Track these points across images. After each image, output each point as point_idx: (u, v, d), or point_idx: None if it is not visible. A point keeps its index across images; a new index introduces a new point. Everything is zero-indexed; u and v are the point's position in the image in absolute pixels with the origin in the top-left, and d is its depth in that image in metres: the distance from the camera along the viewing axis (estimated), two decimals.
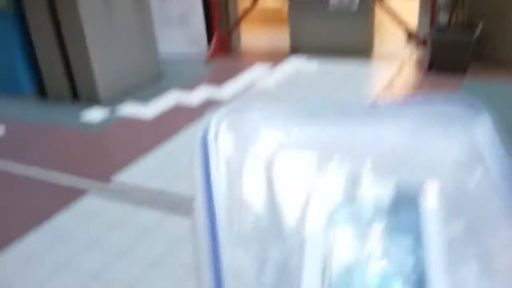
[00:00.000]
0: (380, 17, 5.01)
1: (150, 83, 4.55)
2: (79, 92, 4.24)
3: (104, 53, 4.15)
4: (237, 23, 5.30)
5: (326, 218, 0.37)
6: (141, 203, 2.64)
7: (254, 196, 0.39)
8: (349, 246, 0.36)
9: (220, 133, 0.40)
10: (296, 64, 4.65)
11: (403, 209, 0.37)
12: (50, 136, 3.62)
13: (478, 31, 3.86)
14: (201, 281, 0.35)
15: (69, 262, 2.24)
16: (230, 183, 0.38)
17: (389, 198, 0.38)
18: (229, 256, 0.36)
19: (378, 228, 0.36)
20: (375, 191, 0.38)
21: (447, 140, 0.41)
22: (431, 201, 0.38)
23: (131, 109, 3.98)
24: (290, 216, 0.38)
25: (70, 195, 2.78)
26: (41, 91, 4.38)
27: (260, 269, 0.37)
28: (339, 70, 4.39)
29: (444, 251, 0.36)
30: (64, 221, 2.58)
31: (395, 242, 0.36)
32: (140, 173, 2.99)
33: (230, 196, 0.38)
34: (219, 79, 4.47)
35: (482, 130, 0.41)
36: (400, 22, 4.65)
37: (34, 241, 2.42)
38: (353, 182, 0.39)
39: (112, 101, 4.13)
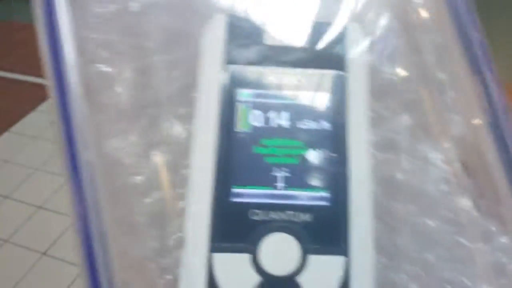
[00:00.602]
0: None
1: None
2: None
3: None
4: None
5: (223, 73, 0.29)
6: None
7: None
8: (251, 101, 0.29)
9: None
10: None
11: (320, 58, 0.30)
12: (7, 33, 3.43)
13: None
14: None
15: (45, 162, 2.21)
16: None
17: (301, 42, 0.30)
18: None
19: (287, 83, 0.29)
20: (282, 36, 0.30)
21: None
22: (356, 46, 0.30)
23: None
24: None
25: (37, 95, 2.68)
26: None
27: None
28: None
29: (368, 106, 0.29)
30: (36, 121, 2.51)
31: (308, 102, 0.29)
32: None
33: None
34: None
35: None
36: None
37: (8, 143, 2.38)
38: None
39: None
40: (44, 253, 1.73)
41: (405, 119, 0.31)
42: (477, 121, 0.30)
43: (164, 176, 0.30)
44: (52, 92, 0.28)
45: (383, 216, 0.30)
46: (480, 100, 0.30)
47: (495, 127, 0.29)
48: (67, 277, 1.60)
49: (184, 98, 0.31)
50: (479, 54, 0.30)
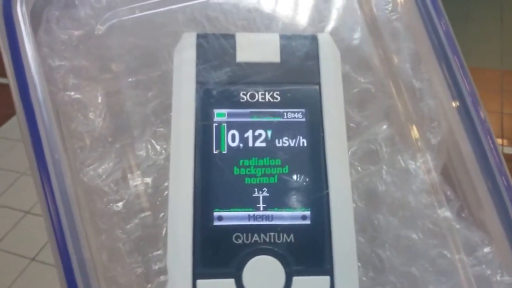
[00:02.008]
0: None
1: None
2: None
3: None
4: None
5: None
6: None
7: None
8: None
9: None
10: None
11: (294, 73, 0.29)
12: None
13: None
14: None
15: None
16: None
17: (274, 57, 0.29)
18: None
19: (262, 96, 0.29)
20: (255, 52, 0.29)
21: None
22: (329, 58, 0.30)
23: None
24: None
25: None
26: None
27: None
28: None
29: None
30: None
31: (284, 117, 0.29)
32: None
33: None
34: None
35: None
36: None
37: None
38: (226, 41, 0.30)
39: None
40: (33, 259, 1.71)
41: (384, 129, 0.31)
42: (455, 127, 0.30)
43: (145, 200, 0.30)
44: (22, 124, 0.27)
45: (368, 229, 0.30)
46: (455, 103, 0.30)
47: (472, 132, 0.29)
48: (57, 282, 1.59)
49: (161, 118, 0.30)
50: (451, 58, 0.30)
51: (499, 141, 1.49)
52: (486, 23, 2.04)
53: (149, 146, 0.30)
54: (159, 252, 0.29)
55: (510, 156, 1.46)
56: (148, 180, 0.30)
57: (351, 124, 0.31)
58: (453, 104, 0.30)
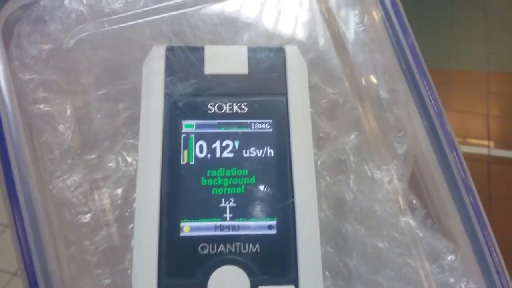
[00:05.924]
0: None
1: None
2: None
3: None
4: None
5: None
6: None
7: None
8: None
9: None
10: None
11: (261, 85, 0.30)
12: None
13: None
14: None
15: None
16: None
17: (241, 69, 0.30)
18: None
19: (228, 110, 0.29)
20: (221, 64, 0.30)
21: None
22: (296, 70, 0.30)
23: None
24: None
25: None
26: None
27: None
28: None
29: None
30: None
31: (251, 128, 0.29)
32: None
33: None
34: None
35: None
36: None
37: None
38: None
39: None
40: (15, 274, 1.69)
41: (352, 138, 0.32)
42: (420, 136, 0.31)
43: (114, 212, 0.30)
44: None
45: (336, 238, 0.30)
46: (419, 113, 0.30)
47: (435, 141, 0.30)
48: None
49: (131, 130, 0.31)
50: (416, 72, 0.31)
51: (485, 143, 1.49)
52: (471, 25, 2.03)
53: (119, 158, 0.30)
54: (126, 263, 0.29)
55: (496, 158, 1.46)
56: (118, 191, 0.30)
57: (321, 134, 0.32)
58: (418, 114, 0.30)
